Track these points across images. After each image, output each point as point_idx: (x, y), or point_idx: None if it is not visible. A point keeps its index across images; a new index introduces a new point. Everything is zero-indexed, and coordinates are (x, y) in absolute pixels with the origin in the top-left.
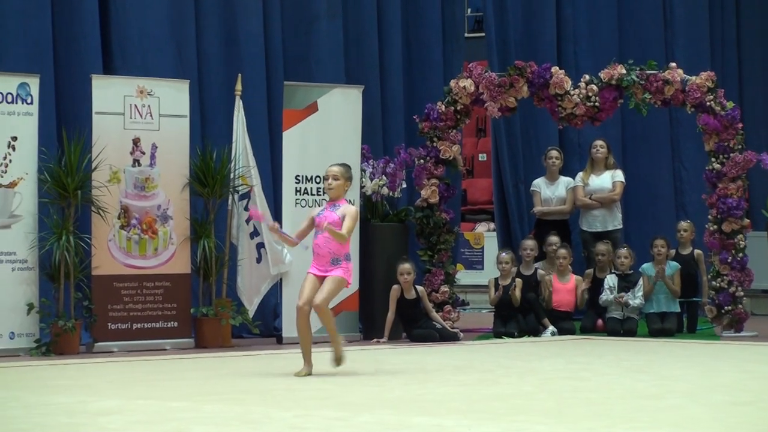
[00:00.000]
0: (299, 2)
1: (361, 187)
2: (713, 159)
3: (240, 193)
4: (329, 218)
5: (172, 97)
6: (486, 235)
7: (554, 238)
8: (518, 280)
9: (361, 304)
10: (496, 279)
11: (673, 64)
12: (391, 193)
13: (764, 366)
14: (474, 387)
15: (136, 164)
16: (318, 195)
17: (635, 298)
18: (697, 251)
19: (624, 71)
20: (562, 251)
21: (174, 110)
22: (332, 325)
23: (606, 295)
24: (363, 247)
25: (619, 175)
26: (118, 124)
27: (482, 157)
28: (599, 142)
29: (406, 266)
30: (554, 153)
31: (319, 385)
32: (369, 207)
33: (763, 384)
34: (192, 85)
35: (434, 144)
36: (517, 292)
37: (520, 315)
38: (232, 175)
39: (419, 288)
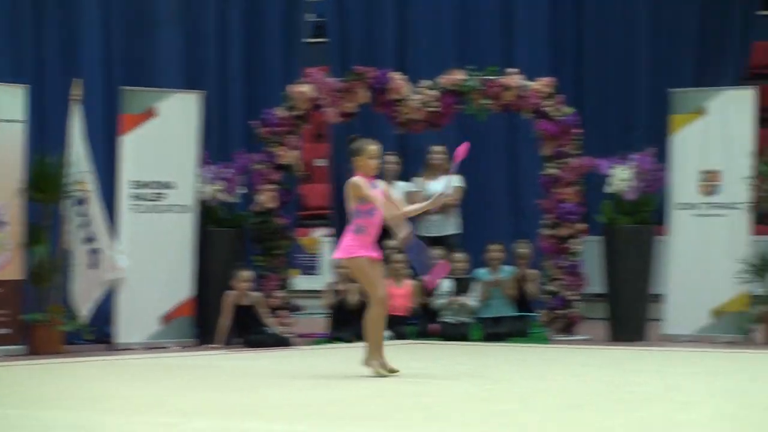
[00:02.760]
0: (140, 8)
1: (199, 192)
2: (549, 164)
3: (76, 198)
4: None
5: (7, 102)
6: (322, 240)
7: (392, 242)
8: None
9: (197, 309)
10: (334, 283)
11: (512, 70)
12: (228, 198)
13: (596, 370)
14: (308, 392)
15: None
16: (154, 201)
17: (471, 300)
18: (529, 272)
19: (465, 77)
20: (398, 256)
21: (9, 115)
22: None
23: (441, 299)
24: (200, 252)
25: (457, 181)
26: None
27: (321, 162)
28: (438, 148)
29: (246, 273)
30: (392, 158)
31: (152, 390)
32: (206, 212)
33: (594, 387)
34: (30, 90)
35: (273, 149)
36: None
37: (355, 319)
38: (68, 181)
39: (255, 294)
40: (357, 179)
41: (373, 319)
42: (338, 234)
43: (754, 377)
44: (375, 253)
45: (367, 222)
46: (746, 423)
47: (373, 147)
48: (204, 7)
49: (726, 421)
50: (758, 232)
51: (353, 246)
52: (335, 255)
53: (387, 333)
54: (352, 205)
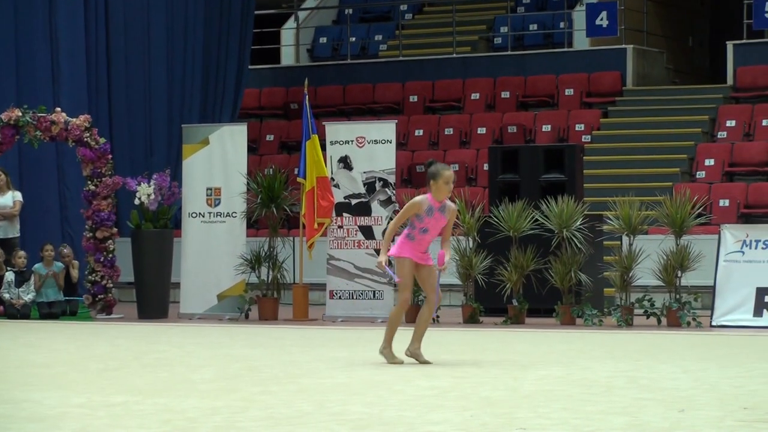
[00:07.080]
0: None
1: None
2: (89, 182)
3: None
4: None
5: None
6: None
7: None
8: None
9: None
10: None
11: (59, 109)
12: None
13: (129, 341)
14: None
15: None
16: None
17: (29, 291)
18: (73, 262)
19: (21, 114)
20: None
21: None
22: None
23: (4, 287)
24: None
25: (18, 195)
26: None
27: None
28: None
29: None
30: None
31: None
32: None
33: (128, 354)
34: None
35: None
36: None
37: None
38: None
39: None
40: (419, 201)
41: (395, 314)
42: None
43: (258, 345)
44: (421, 261)
45: (419, 237)
46: (244, 379)
47: (448, 173)
48: None
49: (226, 380)
50: (251, 235)
51: (404, 248)
52: (390, 252)
53: None
54: (410, 216)
